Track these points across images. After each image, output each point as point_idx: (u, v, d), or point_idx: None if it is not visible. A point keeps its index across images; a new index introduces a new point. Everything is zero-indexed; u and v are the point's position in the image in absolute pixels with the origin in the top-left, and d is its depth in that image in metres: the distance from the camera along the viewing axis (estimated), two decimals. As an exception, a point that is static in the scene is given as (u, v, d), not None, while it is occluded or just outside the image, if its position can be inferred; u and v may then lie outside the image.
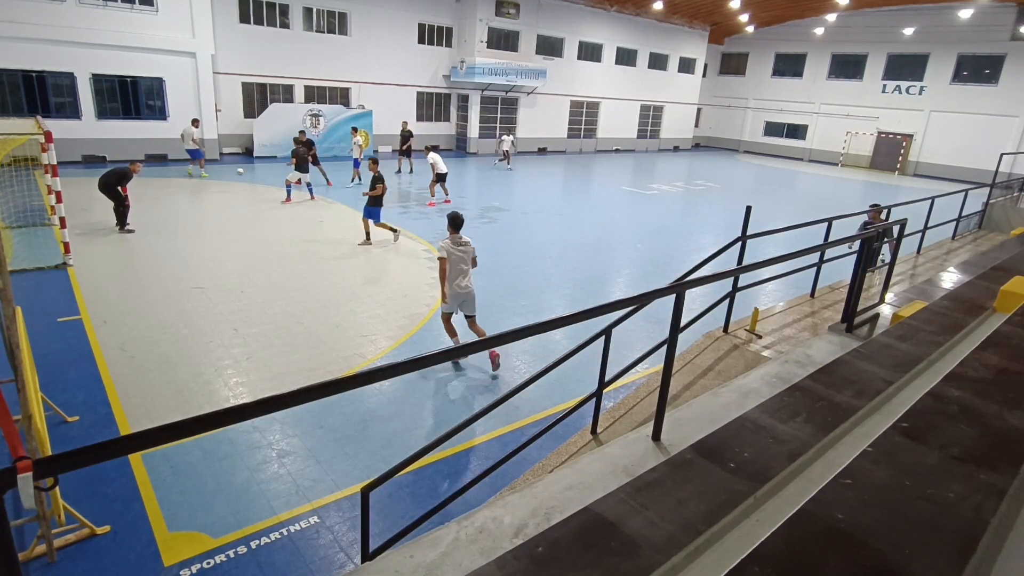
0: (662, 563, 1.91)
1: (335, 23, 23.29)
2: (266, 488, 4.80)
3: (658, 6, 29.56)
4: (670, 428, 2.95)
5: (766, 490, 2.31)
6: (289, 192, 14.88)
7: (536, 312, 9.06)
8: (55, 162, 9.20)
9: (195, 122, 17.84)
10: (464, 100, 27.35)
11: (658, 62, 34.76)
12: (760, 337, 5.06)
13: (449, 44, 26.62)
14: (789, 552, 1.83)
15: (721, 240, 11.45)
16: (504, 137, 24.66)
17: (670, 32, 34.25)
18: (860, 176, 30.75)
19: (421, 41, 25.65)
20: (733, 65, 40.02)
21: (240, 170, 18.58)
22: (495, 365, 7.02)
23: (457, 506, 3.34)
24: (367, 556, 2.92)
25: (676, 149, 37.85)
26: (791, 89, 36.71)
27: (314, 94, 23.35)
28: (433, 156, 15.82)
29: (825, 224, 6.26)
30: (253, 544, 4.23)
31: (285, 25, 22.14)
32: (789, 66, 36.94)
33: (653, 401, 4.47)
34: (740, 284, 5.35)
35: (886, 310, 5.11)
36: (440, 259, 6.78)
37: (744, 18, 33.66)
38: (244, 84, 21.60)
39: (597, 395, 4.10)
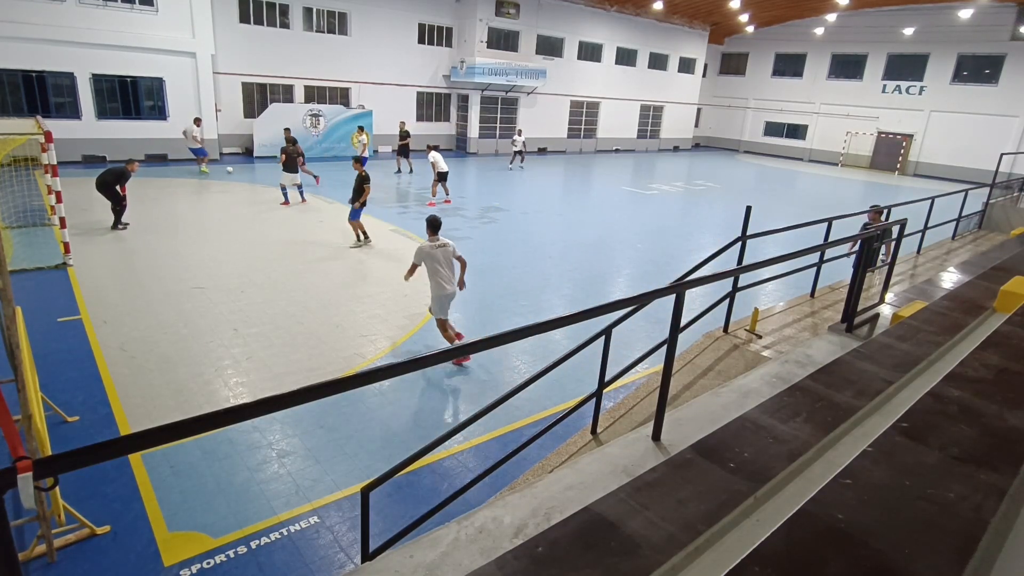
0: (662, 563, 1.91)
1: (335, 23, 23.29)
2: (266, 488, 4.80)
3: (658, 6, 29.57)
4: (670, 428, 2.95)
5: (766, 490, 2.31)
6: (286, 194, 14.68)
7: (536, 312, 9.06)
8: (55, 162, 9.20)
9: (197, 121, 17.91)
10: (464, 100, 27.36)
11: (658, 62, 34.76)
12: (760, 337, 5.06)
13: (449, 44, 26.62)
14: (789, 552, 1.83)
15: (721, 240, 11.45)
16: (516, 137, 24.65)
17: (670, 32, 34.25)
18: (860, 176, 30.75)
19: (421, 41, 25.65)
20: (733, 65, 40.02)
21: (229, 169, 18.57)
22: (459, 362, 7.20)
23: (457, 506, 3.34)
24: (367, 556, 2.92)
25: (676, 149, 37.85)
26: (791, 89, 36.71)
27: (314, 94, 23.35)
28: (434, 155, 15.82)
29: (825, 224, 6.26)
30: (253, 544, 4.23)
31: (285, 25, 22.14)
32: (789, 66, 36.94)
33: (653, 401, 4.47)
34: (740, 284, 5.35)
35: (886, 310, 5.11)
36: (413, 264, 6.93)
37: (744, 18, 33.66)
38: (244, 84, 21.60)
39: (597, 395, 4.10)
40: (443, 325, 7.10)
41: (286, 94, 22.73)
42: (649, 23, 32.82)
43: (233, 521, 4.42)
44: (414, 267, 6.91)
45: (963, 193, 10.09)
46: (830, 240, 4.55)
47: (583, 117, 32.34)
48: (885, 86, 32.84)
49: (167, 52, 18.82)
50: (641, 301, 2.58)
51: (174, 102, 19.42)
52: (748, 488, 2.29)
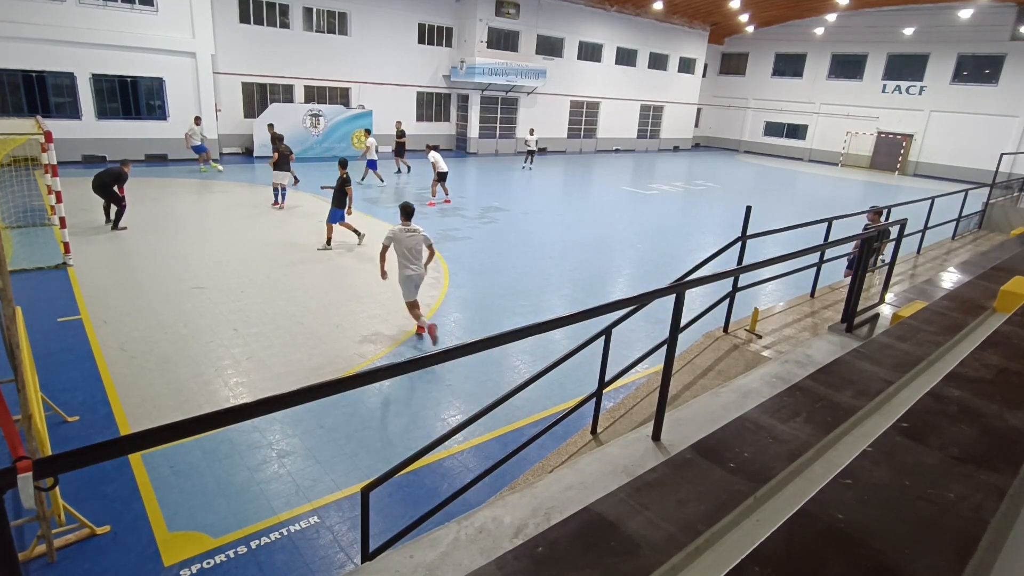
0: (662, 563, 1.91)
1: (335, 23, 23.30)
2: (266, 488, 4.80)
3: (658, 6, 29.57)
4: (670, 428, 2.95)
5: (766, 490, 2.31)
6: (277, 195, 14.25)
7: (536, 312, 9.06)
8: (55, 162, 9.20)
9: (198, 120, 17.95)
10: (464, 100, 27.36)
11: (658, 62, 34.76)
12: (760, 337, 5.06)
13: (449, 44, 26.63)
14: (789, 552, 1.83)
15: (721, 240, 11.45)
16: (528, 137, 24.62)
17: (670, 32, 34.25)
18: (860, 176, 30.75)
19: (421, 41, 25.65)
20: (733, 65, 40.02)
21: (220, 168, 18.51)
22: (434, 340, 7.60)
23: (457, 506, 3.34)
24: (367, 556, 2.92)
25: (676, 149, 37.85)
26: (791, 89, 36.71)
27: (314, 94, 23.35)
28: (434, 155, 15.80)
29: (825, 224, 6.26)
30: (253, 544, 4.23)
31: (285, 25, 22.14)
32: (789, 66, 36.94)
33: (653, 401, 4.47)
34: (740, 284, 5.35)
35: (886, 310, 5.11)
36: (383, 245, 7.45)
37: (744, 18, 33.67)
38: (244, 84, 21.60)
39: (597, 395, 4.10)
40: (412, 306, 7.49)
41: (286, 94, 22.72)
42: (649, 23, 32.82)
43: (233, 521, 4.42)
44: (384, 248, 7.39)
45: (963, 193, 10.09)
46: (830, 240, 4.55)
47: (583, 117, 32.34)
48: (885, 86, 32.85)
49: (167, 52, 18.82)
50: (641, 301, 2.58)
51: (174, 102, 19.42)
52: (748, 488, 2.29)
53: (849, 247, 7.52)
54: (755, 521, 2.18)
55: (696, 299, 7.72)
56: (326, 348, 7.32)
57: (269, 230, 12.46)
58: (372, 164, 18.31)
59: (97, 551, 4.08)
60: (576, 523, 2.10)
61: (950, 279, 6.61)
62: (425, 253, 7.49)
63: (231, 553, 4.14)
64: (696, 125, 39.64)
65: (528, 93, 28.78)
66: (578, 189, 21.82)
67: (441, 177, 15.96)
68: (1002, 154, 13.11)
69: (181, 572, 3.96)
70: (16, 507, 3.90)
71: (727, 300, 5.24)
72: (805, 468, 2.52)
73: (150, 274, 9.40)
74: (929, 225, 8.66)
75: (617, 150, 34.43)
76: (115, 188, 11.43)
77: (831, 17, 32.10)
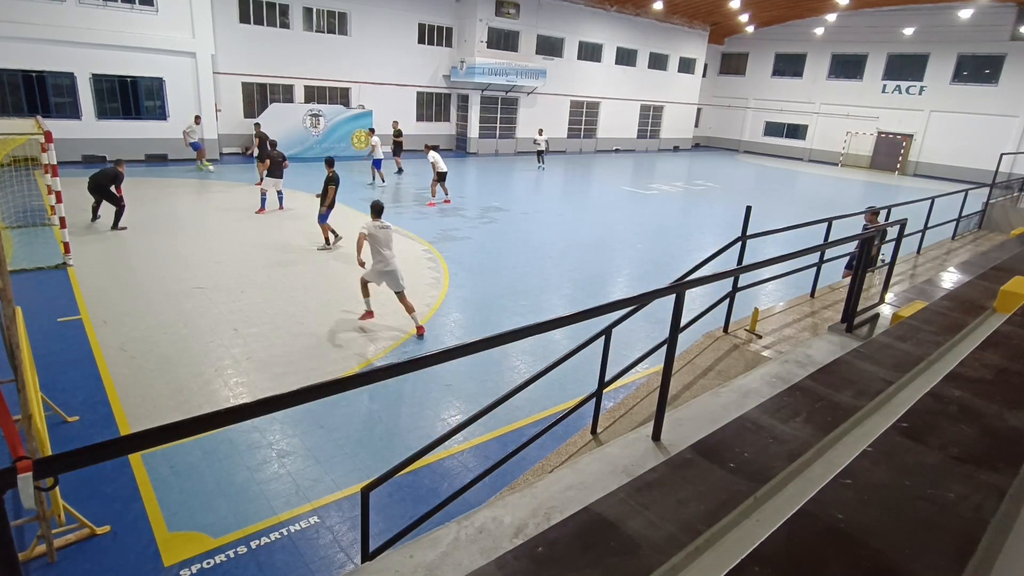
0: (662, 563, 1.91)
1: (335, 23, 23.30)
2: (266, 488, 4.80)
3: (658, 6, 29.57)
4: (670, 428, 2.95)
5: (766, 490, 2.31)
6: (264, 202, 13.80)
7: (536, 312, 9.06)
8: (55, 162, 9.20)
9: (197, 119, 18.00)
10: (464, 100, 27.36)
11: (658, 62, 34.76)
12: (760, 337, 5.06)
13: (449, 44, 26.63)
14: (789, 552, 1.83)
15: (721, 240, 11.46)
16: (538, 137, 24.65)
17: (670, 32, 34.25)
18: (860, 176, 30.76)
19: (421, 41, 25.65)
20: (733, 65, 40.02)
21: (211, 168, 18.47)
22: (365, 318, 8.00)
23: (457, 506, 3.34)
24: (367, 556, 2.92)
25: (676, 149, 37.85)
26: (791, 89, 36.71)
27: (314, 94, 23.35)
28: (433, 155, 15.79)
29: (825, 224, 6.26)
30: (253, 544, 4.23)
31: (285, 25, 22.15)
32: (789, 66, 36.95)
33: (653, 401, 4.47)
34: (740, 284, 5.35)
35: (886, 310, 5.11)
36: (360, 234, 7.69)
37: (744, 18, 33.67)
38: (244, 84, 21.60)
39: (597, 395, 4.10)
40: (364, 285, 7.86)
41: (286, 94, 22.73)
42: (649, 23, 32.82)
43: (233, 521, 4.42)
44: (361, 238, 7.68)
45: (963, 193, 10.09)
46: (830, 240, 4.55)
47: (583, 117, 32.34)
48: (885, 86, 32.85)
49: (167, 52, 18.81)
50: (641, 301, 2.58)
51: (174, 102, 19.42)
52: (748, 488, 2.29)
53: (850, 248, 7.53)
54: (755, 521, 2.18)
55: (696, 299, 7.72)
56: (326, 348, 7.32)
57: (269, 230, 12.46)
58: (377, 163, 18.30)
59: (97, 551, 4.08)
60: (576, 523, 2.10)
61: (950, 279, 6.61)
62: (392, 246, 7.90)
63: (231, 553, 4.14)
64: (696, 125, 39.64)
65: (528, 93, 28.78)
66: (578, 189, 21.82)
67: (441, 177, 15.95)
68: (1002, 154, 13.11)
69: (181, 572, 3.96)
70: (16, 507, 3.90)
71: (727, 300, 5.24)
72: (805, 468, 2.52)
73: (150, 274, 9.40)
74: (929, 225, 8.66)
75: (617, 150, 34.42)
76: (112, 189, 11.44)
77: (831, 17, 32.10)
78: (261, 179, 16.69)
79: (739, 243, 5.09)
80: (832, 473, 2.26)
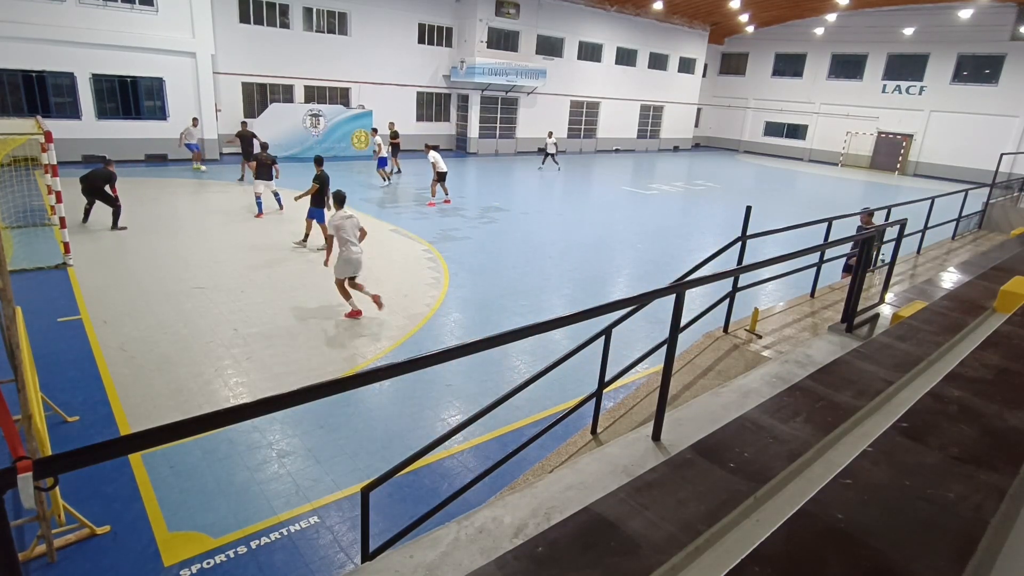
0: (662, 563, 1.91)
1: (335, 23, 23.30)
2: (266, 488, 4.80)
3: (658, 6, 29.58)
4: (670, 428, 2.95)
5: (766, 490, 2.31)
6: (261, 206, 13.49)
7: (536, 312, 9.06)
8: (55, 162, 9.21)
9: (195, 121, 18.03)
10: (464, 100, 27.36)
11: (658, 62, 34.77)
12: (760, 337, 5.06)
13: (449, 44, 26.63)
14: (789, 552, 1.83)
15: (721, 240, 11.46)
16: (548, 140, 24.74)
17: (670, 32, 34.26)
18: (860, 176, 30.76)
19: (421, 41, 25.66)
20: (733, 65, 40.03)
21: (203, 168, 18.39)
22: (379, 306, 8.28)
23: (457, 506, 3.34)
24: (367, 556, 2.92)
25: (676, 149, 37.86)
26: (791, 89, 36.72)
27: (314, 94, 23.35)
28: (434, 155, 15.78)
29: (825, 224, 6.26)
30: (253, 544, 4.23)
31: (285, 25, 22.15)
32: (789, 66, 36.95)
33: (653, 401, 4.47)
34: (740, 284, 5.35)
35: (886, 310, 5.11)
36: (328, 236, 8.06)
37: (744, 18, 33.67)
38: (244, 84, 21.61)
39: (597, 395, 4.10)
40: (340, 285, 8.09)
41: (286, 94, 22.73)
42: (649, 23, 32.83)
43: (233, 521, 4.42)
44: (329, 240, 8.06)
45: (963, 193, 10.09)
46: (830, 240, 4.54)
47: (583, 117, 32.34)
48: (885, 86, 32.85)
49: (167, 52, 18.82)
50: (641, 301, 2.58)
51: (174, 102, 19.42)
52: (748, 488, 2.29)
53: (846, 250, 7.52)
54: (755, 521, 2.18)
55: (696, 299, 7.72)
56: (326, 348, 7.32)
57: (269, 230, 12.45)
58: (382, 162, 18.28)
59: (97, 551, 4.08)
60: (576, 523, 2.10)
61: (950, 279, 6.61)
62: (357, 234, 8.20)
63: (231, 553, 4.14)
64: (696, 125, 39.64)
65: (528, 93, 28.78)
66: (578, 189, 21.82)
67: (441, 177, 15.95)
68: (1002, 154, 13.11)
69: (181, 572, 3.96)
70: (16, 507, 3.90)
71: (727, 300, 5.24)
72: (805, 468, 2.52)
73: (150, 274, 9.40)
74: (929, 225, 8.66)
75: (617, 150, 34.42)
76: (107, 189, 11.46)
77: (831, 17, 32.11)
78: (243, 176, 16.74)
79: (739, 243, 5.09)
80: (832, 473, 2.26)
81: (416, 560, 2.07)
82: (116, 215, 11.61)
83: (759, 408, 2.98)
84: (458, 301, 9.32)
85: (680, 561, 1.96)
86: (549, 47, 29.31)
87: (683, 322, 2.95)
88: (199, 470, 4.95)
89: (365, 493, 2.91)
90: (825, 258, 6.36)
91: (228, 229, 12.37)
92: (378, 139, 18.35)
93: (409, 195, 17.37)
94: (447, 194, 16.35)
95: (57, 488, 4.02)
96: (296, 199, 11.26)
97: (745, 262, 4.52)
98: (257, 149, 17.46)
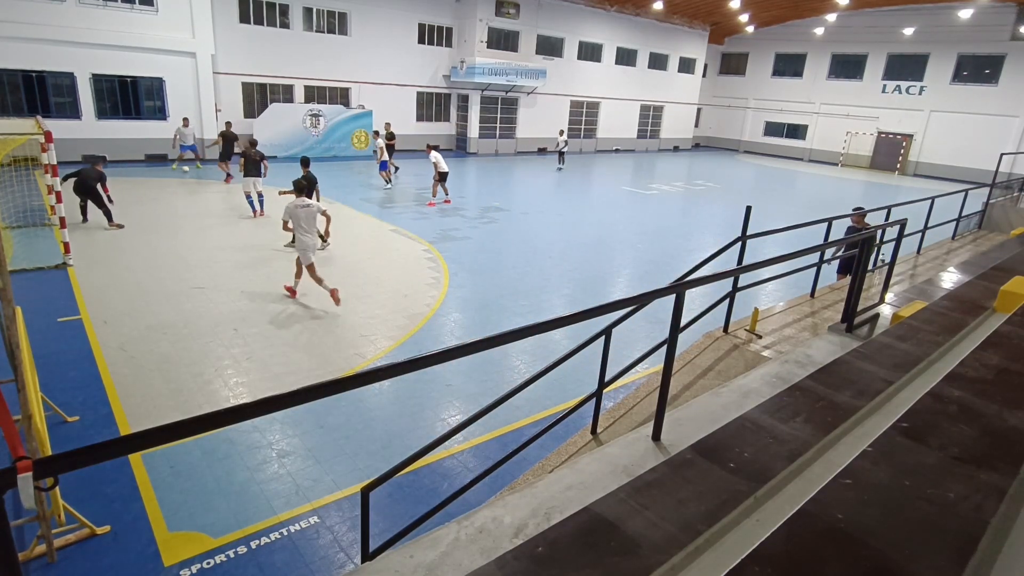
0: (662, 563, 1.91)
1: (335, 23, 23.30)
2: (266, 488, 4.80)
3: (658, 6, 29.58)
4: (670, 428, 2.95)
5: (766, 490, 2.31)
6: (252, 203, 13.38)
7: (536, 312, 9.06)
8: (55, 162, 9.21)
9: (186, 121, 17.96)
10: (464, 100, 27.36)
11: (658, 62, 34.77)
12: (760, 337, 5.06)
13: (449, 44, 26.63)
14: (789, 552, 1.83)
15: (721, 240, 11.46)
16: (559, 138, 24.70)
17: (670, 32, 34.26)
18: (860, 176, 30.76)
19: (421, 41, 25.66)
20: (733, 65, 40.03)
21: (185, 168, 18.24)
22: (336, 301, 8.47)
23: (457, 506, 3.34)
24: (367, 556, 2.92)
25: (676, 149, 37.86)
26: (791, 89, 36.72)
27: (314, 94, 23.35)
28: (435, 155, 15.78)
29: (825, 224, 6.26)
30: (253, 544, 4.23)
31: (285, 25, 22.15)
32: (789, 66, 36.95)
33: (653, 401, 4.47)
34: (740, 284, 5.35)
35: (886, 310, 5.11)
36: (284, 220, 8.45)
37: (744, 18, 33.67)
38: (244, 84, 21.61)
39: (597, 395, 4.10)
40: (311, 270, 8.43)
41: (286, 94, 22.73)
42: (649, 23, 32.83)
43: (233, 521, 4.42)
44: (285, 225, 8.45)
45: (963, 193, 10.09)
46: (830, 240, 4.54)
47: (583, 117, 32.35)
48: (885, 86, 32.85)
49: (167, 52, 18.82)
50: (641, 301, 2.58)
51: (174, 102, 19.43)
52: (748, 488, 2.29)
53: (843, 251, 7.50)
54: (755, 521, 2.18)
55: (696, 299, 7.72)
56: (326, 348, 7.32)
57: (268, 230, 12.44)
58: (384, 165, 18.21)
59: (97, 551, 4.08)
60: (576, 523, 2.10)
61: (950, 279, 6.61)
62: (321, 221, 8.78)
63: (231, 553, 4.14)
64: (696, 125, 39.65)
65: (528, 93, 28.78)
66: (578, 189, 21.82)
67: (442, 177, 15.95)
68: (1002, 154, 13.11)
69: (181, 572, 3.96)
70: (16, 507, 3.90)
71: (727, 300, 5.24)
72: (805, 468, 2.52)
73: (150, 274, 9.40)
74: (929, 225, 8.65)
75: (617, 150, 34.43)
76: (100, 188, 11.48)
77: (831, 17, 32.11)
78: (228, 176, 16.76)
79: (739, 243, 5.09)
80: (832, 473, 2.26)
81: (416, 560, 2.07)
82: (108, 215, 11.65)
83: (759, 408, 2.98)
84: (458, 301, 9.32)
85: (680, 561, 1.96)
86: (549, 47, 29.31)
87: (683, 322, 2.95)
88: (199, 470, 4.95)
89: (365, 493, 2.91)
90: (825, 258, 6.36)
91: (228, 229, 12.37)
92: (380, 142, 18.34)
93: (409, 195, 17.37)
94: (447, 194, 16.35)
95: (57, 488, 4.02)
96: (280, 194, 11.19)
97: (745, 262, 4.52)
98: (239, 150, 17.51)
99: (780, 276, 6.52)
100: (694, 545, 2.00)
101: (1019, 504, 2.17)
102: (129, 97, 18.85)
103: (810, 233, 11.47)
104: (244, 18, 21.04)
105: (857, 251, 4.30)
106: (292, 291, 8.79)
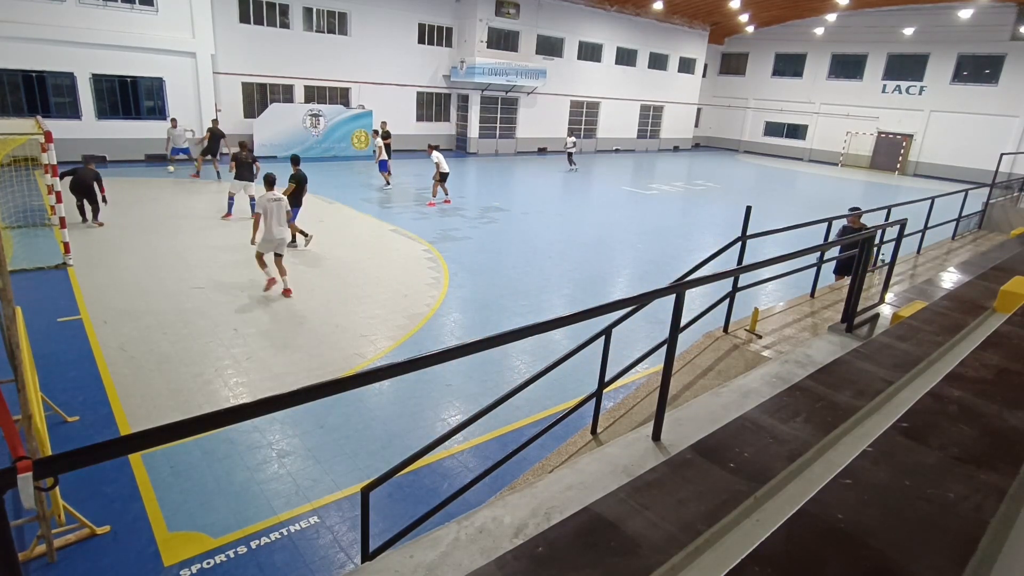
0: (662, 563, 1.91)
1: (335, 23, 23.30)
2: (266, 488, 4.80)
3: (658, 6, 29.57)
4: (670, 428, 2.95)
5: (766, 490, 2.31)
6: (231, 206, 13.23)
7: (536, 312, 9.06)
8: (55, 162, 9.21)
9: (174, 122, 17.85)
10: (464, 100, 27.36)
11: (658, 62, 34.76)
12: (760, 337, 5.06)
13: (449, 44, 26.63)
14: (789, 552, 1.83)
15: (721, 240, 11.45)
16: (568, 139, 24.80)
17: (670, 32, 34.26)
18: (860, 176, 30.76)
19: (421, 41, 25.65)
20: (733, 65, 40.03)
21: (170, 168, 18.03)
22: (269, 287, 8.87)
23: (457, 506, 3.34)
24: (367, 556, 2.92)
25: (676, 149, 37.86)
26: (791, 89, 36.72)
27: (314, 94, 23.35)
28: (437, 155, 15.78)
29: (825, 224, 6.26)
30: (253, 544, 4.23)
31: (285, 25, 22.15)
32: (789, 66, 36.95)
33: (653, 401, 4.47)
34: (740, 284, 5.35)
35: (886, 310, 5.11)
36: (256, 214, 8.60)
37: (744, 18, 33.67)
38: (244, 84, 21.61)
39: (597, 395, 4.10)
40: (259, 258, 8.77)
41: (286, 94, 22.73)
42: (649, 23, 32.82)
43: (233, 521, 4.42)
44: (257, 218, 8.57)
45: (963, 193, 10.09)
46: (830, 240, 4.54)
47: (583, 117, 32.34)
48: (885, 86, 32.85)
49: (167, 52, 18.82)
50: (641, 301, 2.57)
51: (174, 102, 19.43)
52: (748, 488, 2.29)
53: (836, 252, 7.49)
54: (755, 521, 2.18)
55: (696, 299, 7.71)
56: (326, 348, 7.32)
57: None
58: (383, 165, 18.16)
59: (97, 551, 4.08)
60: (576, 523, 2.10)
61: (950, 279, 6.61)
62: (283, 216, 8.79)
63: (231, 553, 4.14)
64: (696, 125, 39.65)
65: (528, 93, 28.78)
66: (578, 189, 21.81)
67: (443, 177, 15.95)
68: (1002, 154, 13.11)
69: (181, 572, 3.96)
70: (16, 507, 3.90)
71: (727, 300, 5.24)
72: (805, 468, 2.52)
73: (150, 274, 9.40)
74: (929, 225, 8.65)
75: (617, 150, 34.43)
76: (97, 187, 11.53)
77: (831, 17, 32.11)
78: (211, 174, 16.67)
79: (739, 243, 5.09)
80: (832, 473, 2.26)
81: (416, 560, 2.07)
82: (96, 212, 11.74)
83: (759, 408, 2.98)
84: (458, 301, 9.32)
85: (680, 561, 1.96)
86: (549, 47, 29.31)
87: (683, 322, 2.95)
88: (199, 470, 4.95)
89: (365, 493, 2.91)
90: (825, 258, 6.36)
91: (228, 229, 12.36)
92: (378, 141, 18.32)
93: (409, 195, 17.37)
94: (447, 194, 16.35)
95: (57, 488, 4.02)
96: (284, 193, 11.16)
97: (745, 262, 4.52)
98: (225, 149, 17.45)
99: (780, 276, 6.52)
100: (694, 545, 2.00)
101: (1019, 504, 2.17)
102: (129, 97, 18.85)
103: (810, 233, 11.47)
104: (244, 18, 21.03)
105: (855, 252, 4.30)
106: (279, 286, 8.91)
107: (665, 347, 2.87)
